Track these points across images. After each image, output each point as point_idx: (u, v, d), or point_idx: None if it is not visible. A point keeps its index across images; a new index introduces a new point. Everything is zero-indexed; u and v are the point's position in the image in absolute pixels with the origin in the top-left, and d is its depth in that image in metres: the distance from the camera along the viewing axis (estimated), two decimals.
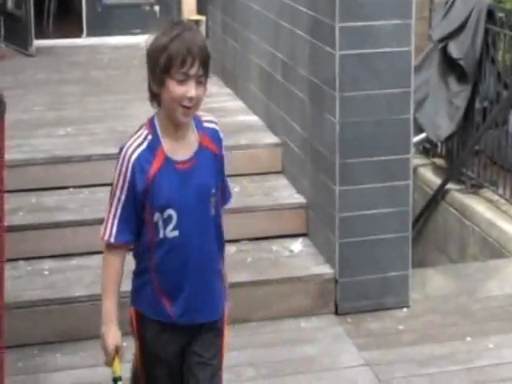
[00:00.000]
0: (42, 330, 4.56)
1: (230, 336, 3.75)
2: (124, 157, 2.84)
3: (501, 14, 6.63)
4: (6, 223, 3.56)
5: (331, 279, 4.89)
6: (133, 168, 2.80)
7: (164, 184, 2.88)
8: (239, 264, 5.01)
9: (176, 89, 2.71)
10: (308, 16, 5.13)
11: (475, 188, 6.74)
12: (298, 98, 5.36)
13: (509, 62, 6.54)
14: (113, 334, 2.90)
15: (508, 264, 5.52)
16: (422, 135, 6.84)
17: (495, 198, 6.51)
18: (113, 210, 2.89)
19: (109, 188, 5.10)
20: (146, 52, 2.84)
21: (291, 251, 5.21)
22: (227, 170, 3.07)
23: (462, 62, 6.65)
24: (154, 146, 2.86)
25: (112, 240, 2.89)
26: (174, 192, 2.91)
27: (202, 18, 8.31)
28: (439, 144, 6.98)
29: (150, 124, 2.90)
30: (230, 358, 4.13)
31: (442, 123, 6.69)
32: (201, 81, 2.73)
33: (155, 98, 2.84)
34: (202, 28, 8.22)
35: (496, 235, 6.03)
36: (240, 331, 4.63)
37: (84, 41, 8.67)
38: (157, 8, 8.95)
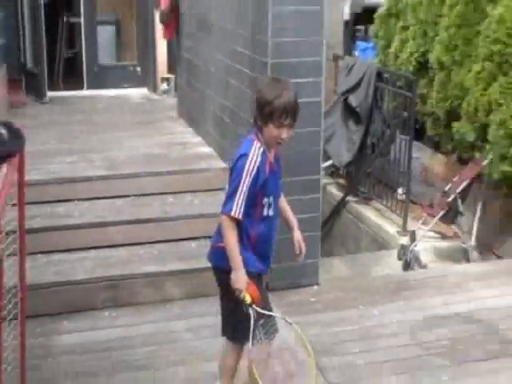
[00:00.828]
0: (54, 304, 4.70)
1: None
2: (251, 161, 3.13)
3: (386, 75, 7.01)
4: (26, 227, 3.78)
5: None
6: (258, 169, 3.13)
7: (270, 180, 3.24)
8: (202, 254, 4.94)
9: (274, 131, 3.09)
10: (247, 78, 5.29)
11: (367, 200, 7.02)
12: (241, 134, 5.14)
13: (391, 109, 6.87)
14: (243, 276, 3.16)
15: (389, 254, 5.76)
16: (329, 162, 7.10)
17: (381, 207, 6.78)
18: (241, 197, 3.12)
19: (102, 201, 5.39)
20: (256, 97, 3.23)
21: None
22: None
23: (358, 109, 6.94)
24: (265, 156, 3.18)
25: (239, 216, 3.14)
26: (274, 185, 3.31)
27: (172, 76, 8.39)
28: (341, 168, 7.26)
29: (259, 140, 3.17)
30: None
31: (344, 153, 6.97)
32: (291, 127, 3.15)
33: (259, 128, 3.18)
34: (172, 84, 8.38)
35: (381, 234, 6.28)
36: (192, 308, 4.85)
37: (85, 92, 8.82)
38: (138, 68, 9.11)
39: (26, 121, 4.92)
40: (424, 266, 5.42)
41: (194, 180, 5.91)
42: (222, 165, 5.94)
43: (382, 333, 4.55)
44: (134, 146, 6.36)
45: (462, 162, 6.31)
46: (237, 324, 3.43)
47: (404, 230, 5.99)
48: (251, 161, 3.13)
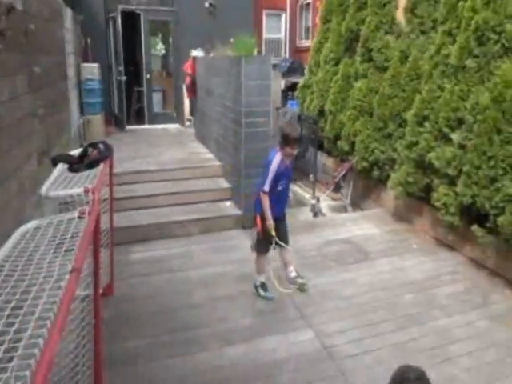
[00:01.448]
0: (128, 238, 4.45)
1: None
2: (276, 161, 3.28)
3: (303, 117, 6.85)
4: (114, 196, 3.68)
5: (240, 215, 4.88)
6: (278, 166, 3.29)
7: (283, 174, 3.37)
8: (208, 210, 5.00)
9: (289, 150, 3.28)
10: (231, 118, 5.10)
11: (295, 181, 6.65)
12: (229, 147, 5.30)
13: (307, 135, 6.57)
14: (271, 221, 3.36)
15: (306, 209, 5.58)
16: None
17: (302, 185, 6.63)
18: (268, 180, 3.29)
19: (155, 183, 5.17)
20: (281, 131, 3.34)
21: (226, 206, 5.13)
22: None
23: None
24: (282, 161, 3.31)
25: (267, 190, 3.31)
26: (285, 177, 3.41)
27: (192, 117, 8.11)
28: None
29: (281, 153, 3.30)
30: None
31: None
32: (296, 147, 3.32)
33: (281, 147, 3.30)
34: (192, 121, 8.09)
35: (302, 199, 6.14)
36: (204, 238, 4.64)
37: (146, 126, 8.48)
38: (174, 114, 8.81)
39: (114, 141, 4.65)
40: (324, 215, 5.35)
41: (204, 171, 5.68)
42: (218, 163, 5.76)
43: (303, 249, 4.41)
44: (172, 155, 6.15)
45: (342, 161, 6.21)
46: (258, 244, 3.56)
47: (313, 196, 5.89)
48: (275, 162, 3.29)
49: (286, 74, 8.74)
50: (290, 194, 4.05)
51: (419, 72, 4.98)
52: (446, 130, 4.42)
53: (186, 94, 8.05)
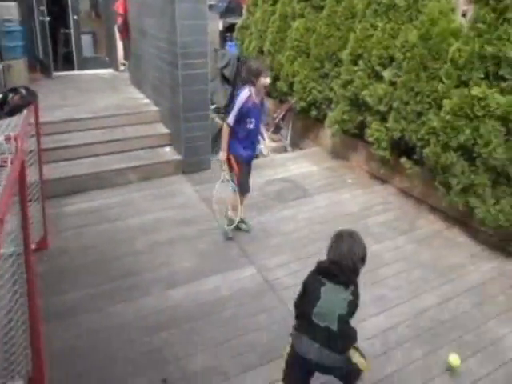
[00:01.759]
0: (62, 189, 4.06)
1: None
2: (242, 95, 3.10)
3: (242, 58, 6.37)
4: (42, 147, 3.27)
5: (181, 160, 4.60)
6: (245, 101, 3.09)
7: (252, 111, 3.13)
8: (147, 157, 4.64)
9: (262, 81, 3.09)
10: (167, 60, 4.66)
11: None
12: (166, 91, 4.87)
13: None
14: (225, 154, 3.22)
15: None
16: (215, 105, 6.40)
17: None
18: (233, 114, 3.10)
19: (89, 131, 4.67)
20: (249, 68, 3.15)
21: (165, 151, 4.77)
22: None
23: (229, 77, 6.38)
24: (250, 97, 3.10)
25: (232, 124, 3.14)
26: (255, 114, 3.18)
27: (126, 61, 7.21)
28: (222, 108, 6.45)
29: (249, 89, 3.11)
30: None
31: (222, 100, 6.38)
32: (268, 75, 3.12)
33: (252, 83, 3.11)
34: (126, 65, 7.25)
35: None
36: (144, 185, 4.33)
37: (75, 72, 7.45)
38: (107, 58, 7.82)
39: (40, 88, 4.06)
40: (265, 156, 5.11)
41: (141, 117, 5.15)
42: (156, 108, 5.28)
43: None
44: (106, 101, 5.45)
45: (281, 102, 5.98)
46: (241, 185, 3.37)
47: None
48: (241, 98, 3.10)
49: (223, 15, 8.06)
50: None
51: (354, 11, 4.73)
52: (378, 67, 4.31)
53: (118, 35, 7.19)
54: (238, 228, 3.51)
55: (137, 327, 2.55)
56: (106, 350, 2.40)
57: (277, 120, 5.51)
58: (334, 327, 1.73)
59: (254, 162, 4.96)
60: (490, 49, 3.28)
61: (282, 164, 4.95)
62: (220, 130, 6.50)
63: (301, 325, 1.85)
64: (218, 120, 6.19)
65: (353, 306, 1.76)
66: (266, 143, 3.59)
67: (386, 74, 4.20)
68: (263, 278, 2.99)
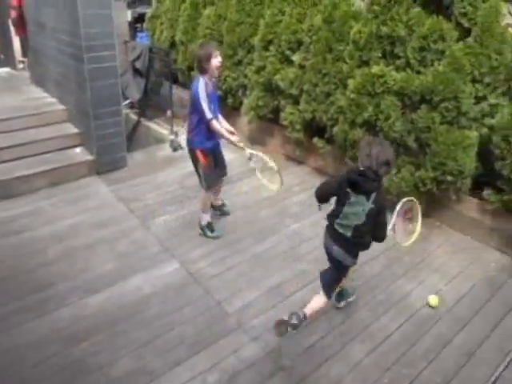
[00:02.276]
0: None
1: None
2: (201, 86, 2.98)
3: (154, 50, 6.15)
4: None
5: (93, 160, 4.37)
6: (206, 89, 2.96)
7: (211, 96, 3.03)
8: (49, 161, 4.33)
9: (213, 64, 2.98)
10: (71, 54, 4.39)
11: (152, 119, 6.08)
12: (72, 88, 4.57)
13: (160, 68, 6.05)
14: (235, 137, 3.12)
15: (166, 145, 5.17)
16: (128, 100, 6.18)
17: (160, 122, 5.98)
18: (206, 106, 2.97)
19: None
20: (199, 55, 3.00)
21: (76, 153, 4.49)
22: None
23: (141, 69, 6.11)
24: (207, 84, 3.00)
25: (211, 115, 3.00)
26: (213, 98, 3.10)
27: (25, 58, 6.66)
28: (136, 103, 6.28)
29: (203, 78, 2.99)
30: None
31: (135, 95, 6.12)
32: (219, 56, 3.02)
33: (203, 71, 3.00)
34: (25, 63, 6.67)
35: (161, 136, 5.58)
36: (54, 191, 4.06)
37: None
38: (1, 55, 7.05)
39: None
40: (183, 149, 5.01)
41: (46, 118, 4.77)
42: (62, 107, 4.91)
43: (165, 184, 4.20)
44: (4, 102, 4.96)
45: None
46: (207, 178, 3.28)
47: (171, 132, 5.44)
48: (201, 88, 2.97)
49: (131, 5, 7.73)
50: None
51: None
52: (288, 52, 4.44)
53: (13, 30, 6.57)
54: (222, 213, 3.63)
55: (54, 341, 2.42)
56: (20, 370, 2.25)
57: None
58: (349, 234, 2.18)
59: (173, 155, 5.02)
60: (385, 29, 3.55)
61: None
62: (135, 126, 6.48)
63: (328, 226, 2.31)
64: (132, 115, 5.99)
65: (373, 213, 2.13)
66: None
67: (296, 57, 4.35)
68: (187, 271, 2.99)
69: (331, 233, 2.28)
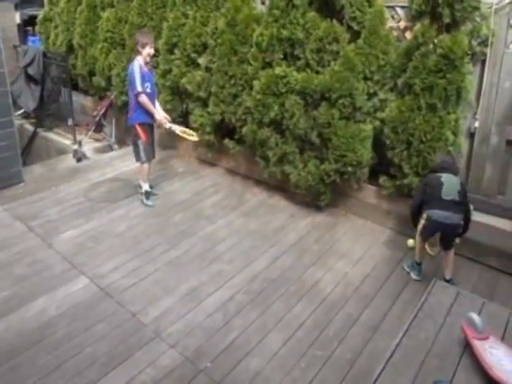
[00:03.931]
0: None
1: None
2: (136, 65, 3.60)
3: (49, 54, 5.92)
4: None
5: None
6: (140, 68, 3.59)
7: (146, 76, 3.63)
8: None
9: (147, 50, 3.64)
10: None
11: (50, 129, 5.84)
12: None
13: (57, 74, 5.80)
14: (160, 115, 3.79)
15: (68, 157, 5.02)
16: (22, 110, 5.85)
17: (60, 132, 5.74)
18: (138, 82, 3.58)
19: None
20: (137, 40, 3.64)
21: None
22: None
23: (35, 76, 5.79)
24: (141, 66, 3.62)
25: (142, 89, 3.59)
26: (149, 79, 3.69)
27: None
28: (31, 113, 5.96)
29: (138, 60, 3.62)
30: None
31: (30, 104, 5.81)
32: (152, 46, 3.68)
33: (139, 53, 3.62)
34: None
35: (62, 146, 5.40)
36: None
37: None
38: None
39: None
40: (89, 158, 4.89)
41: None
42: None
43: (68, 198, 4.02)
44: None
45: (101, 98, 5.73)
46: (145, 152, 3.83)
47: (74, 141, 5.26)
48: (136, 67, 3.58)
49: (20, 6, 7.24)
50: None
51: (165, 0, 4.83)
52: (193, 55, 4.54)
53: None
54: (150, 195, 3.96)
55: None
56: None
57: (97, 118, 5.30)
58: (457, 198, 2.76)
59: (77, 166, 4.81)
60: (285, 32, 3.80)
61: (109, 163, 4.80)
62: (32, 138, 6.08)
63: (431, 205, 2.80)
64: (28, 126, 5.61)
65: (464, 186, 2.88)
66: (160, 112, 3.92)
67: (202, 60, 4.46)
68: (97, 287, 2.88)
69: (438, 205, 2.84)
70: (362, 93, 3.56)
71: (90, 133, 5.33)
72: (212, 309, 2.69)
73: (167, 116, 3.89)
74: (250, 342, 2.48)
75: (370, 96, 3.61)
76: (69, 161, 4.89)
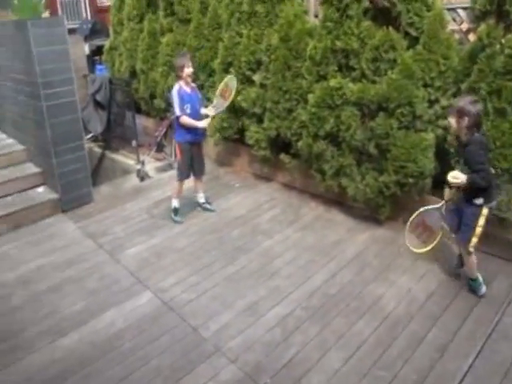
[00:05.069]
0: None
1: None
2: (174, 89, 3.84)
3: (114, 81, 6.47)
4: None
5: (57, 198, 4.48)
6: (178, 92, 3.82)
7: (186, 98, 3.85)
8: (9, 204, 4.41)
9: (186, 71, 3.82)
10: (28, 92, 4.57)
11: (117, 150, 6.38)
12: (30, 126, 4.72)
13: (122, 99, 6.34)
14: (202, 123, 3.93)
15: (132, 176, 5.41)
16: (91, 134, 6.40)
17: (125, 153, 6.25)
18: (177, 105, 3.81)
19: None
20: (176, 63, 3.88)
21: (38, 192, 4.59)
22: None
23: (102, 102, 6.37)
24: (181, 88, 3.86)
25: (181, 112, 3.82)
26: (191, 100, 3.88)
27: None
28: (99, 136, 6.53)
29: (178, 83, 3.87)
30: None
31: (98, 128, 6.35)
32: (190, 66, 3.85)
33: (179, 78, 3.86)
34: None
35: (127, 166, 5.87)
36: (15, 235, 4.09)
37: None
38: None
39: None
40: (151, 177, 5.25)
41: (4, 160, 4.89)
42: (21, 147, 5.07)
43: (131, 216, 4.33)
44: None
45: (161, 119, 6.11)
46: (180, 170, 4.07)
47: (138, 161, 5.66)
48: (174, 91, 3.82)
49: (88, 37, 8.03)
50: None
51: (219, 21, 5.15)
52: (248, 72, 4.75)
53: None
54: (205, 209, 4.26)
55: None
56: None
57: (158, 138, 5.68)
58: None
59: (140, 185, 5.19)
60: (339, 43, 3.87)
61: (169, 182, 5.00)
62: (100, 159, 6.64)
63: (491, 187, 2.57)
64: (97, 149, 6.17)
65: None
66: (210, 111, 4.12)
67: (256, 77, 4.66)
68: (160, 301, 3.07)
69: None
70: (423, 100, 3.50)
71: (152, 153, 5.73)
72: (271, 324, 2.75)
73: (209, 112, 4.02)
74: (310, 358, 2.50)
75: (431, 103, 3.54)
76: (133, 180, 5.30)
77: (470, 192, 2.61)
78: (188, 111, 3.85)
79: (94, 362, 2.58)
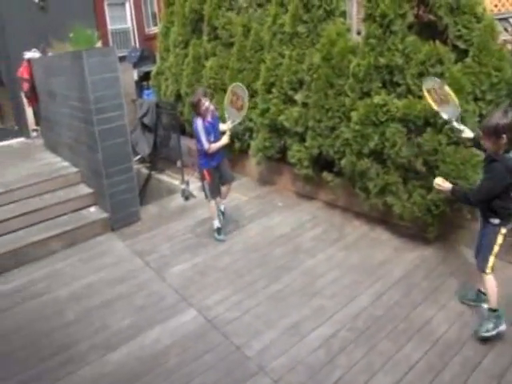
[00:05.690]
0: None
1: None
2: (199, 124, 3.92)
3: (161, 104, 6.79)
4: None
5: (107, 217, 4.76)
6: (203, 126, 3.91)
7: (209, 128, 3.93)
8: (64, 223, 4.74)
9: (203, 107, 3.89)
10: (82, 118, 4.93)
11: (162, 171, 6.62)
12: (84, 150, 5.09)
13: (167, 121, 6.62)
14: (223, 140, 4.04)
15: (177, 196, 5.58)
16: (139, 156, 6.74)
17: (170, 173, 6.46)
18: (203, 137, 3.91)
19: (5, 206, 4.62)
20: (192, 101, 3.97)
21: (91, 212, 4.93)
22: None
23: (149, 125, 6.73)
24: (202, 120, 3.91)
25: (208, 144, 3.92)
26: (212, 130, 3.99)
27: (38, 127, 7.45)
28: (146, 158, 6.85)
29: (198, 117, 3.92)
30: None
31: (146, 149, 6.70)
32: (207, 100, 3.95)
33: (198, 113, 3.92)
34: (38, 131, 7.42)
35: (172, 186, 6.05)
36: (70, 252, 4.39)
37: None
38: (16, 127, 7.99)
39: None
40: (195, 197, 5.42)
41: (60, 181, 5.31)
42: (75, 169, 5.46)
43: (176, 234, 4.51)
44: (18, 171, 5.53)
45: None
46: (211, 190, 4.17)
47: (182, 181, 5.85)
48: (199, 125, 3.89)
49: (137, 64, 8.61)
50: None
51: (261, 43, 5.35)
52: (290, 92, 4.88)
53: (26, 102, 7.42)
54: (221, 231, 4.35)
55: None
56: None
57: None
58: None
59: (184, 205, 5.38)
60: (382, 60, 3.92)
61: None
62: (147, 180, 6.99)
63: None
64: (144, 170, 6.50)
65: None
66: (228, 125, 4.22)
67: (298, 97, 4.78)
68: (205, 318, 3.15)
69: None
70: (473, 115, 3.45)
71: (196, 173, 5.92)
72: (315, 345, 2.75)
73: (226, 127, 4.12)
74: (356, 381, 2.46)
75: (482, 117, 3.47)
76: (178, 199, 5.48)
77: (485, 212, 2.61)
78: (212, 139, 4.00)
79: (141, 377, 2.67)
